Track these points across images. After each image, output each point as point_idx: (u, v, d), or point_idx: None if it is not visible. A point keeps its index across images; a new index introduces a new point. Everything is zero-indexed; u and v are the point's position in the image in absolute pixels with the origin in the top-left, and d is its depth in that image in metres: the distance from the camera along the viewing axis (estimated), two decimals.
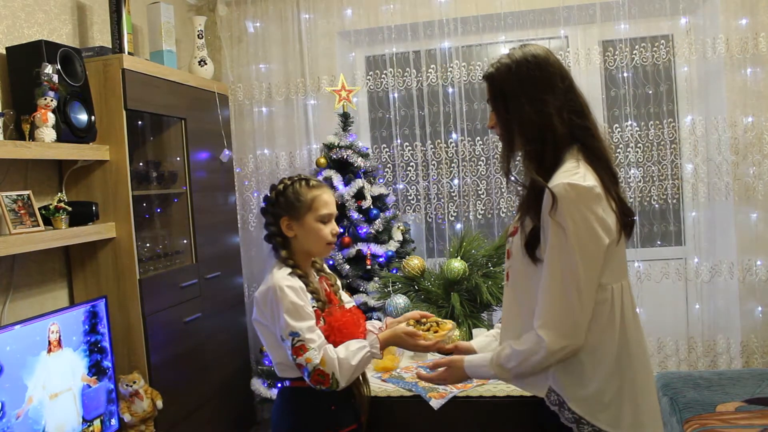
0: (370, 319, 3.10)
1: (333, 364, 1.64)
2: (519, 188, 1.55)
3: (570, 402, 1.48)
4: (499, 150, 3.42)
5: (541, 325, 1.43)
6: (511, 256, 1.58)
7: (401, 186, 3.63)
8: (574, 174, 1.42)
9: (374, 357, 1.73)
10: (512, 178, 1.56)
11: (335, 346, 1.69)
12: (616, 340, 1.47)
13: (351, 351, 1.68)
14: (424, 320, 1.83)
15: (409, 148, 3.63)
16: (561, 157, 1.48)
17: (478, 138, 3.52)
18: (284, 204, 1.76)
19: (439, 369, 1.66)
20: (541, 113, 1.48)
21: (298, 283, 1.71)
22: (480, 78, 3.49)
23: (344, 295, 1.97)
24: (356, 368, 1.67)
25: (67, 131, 2.29)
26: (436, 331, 1.77)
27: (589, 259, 1.40)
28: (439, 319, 1.83)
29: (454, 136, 3.51)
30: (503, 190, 3.46)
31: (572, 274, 1.40)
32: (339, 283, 1.97)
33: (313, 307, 1.72)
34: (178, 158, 2.99)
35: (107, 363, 2.34)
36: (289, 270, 1.73)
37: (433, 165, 3.56)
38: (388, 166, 3.67)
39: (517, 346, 1.49)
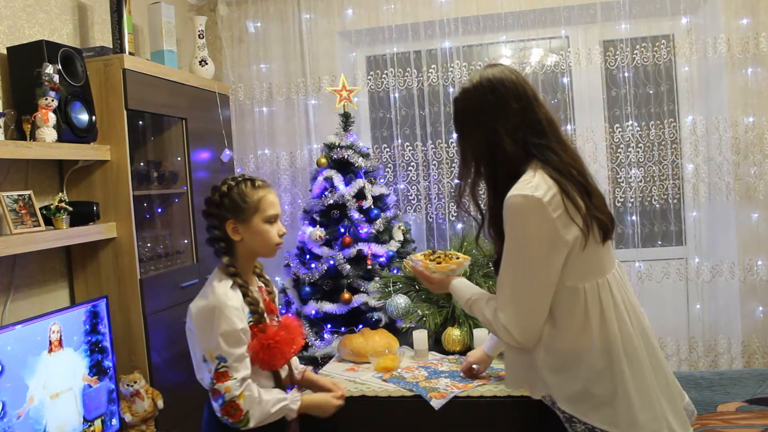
0: (372, 319, 3.11)
1: (251, 403, 1.61)
2: (468, 214, 1.65)
3: (559, 402, 1.51)
4: None
5: (504, 323, 1.50)
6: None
7: (402, 186, 3.63)
8: (527, 185, 1.45)
9: (288, 414, 1.70)
10: (463, 202, 1.64)
11: (264, 363, 1.67)
12: (597, 339, 1.47)
13: (272, 398, 1.65)
14: (439, 253, 1.87)
15: (410, 148, 3.63)
16: (518, 173, 1.50)
17: None
18: (229, 206, 1.70)
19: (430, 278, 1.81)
20: (491, 137, 1.52)
21: (239, 300, 1.66)
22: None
23: (277, 301, 1.94)
24: (270, 417, 1.65)
25: (68, 131, 2.29)
26: (439, 263, 1.78)
27: (538, 267, 1.44)
28: (454, 253, 1.86)
29: (454, 135, 3.51)
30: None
31: (523, 282, 1.46)
32: (276, 290, 1.94)
33: (249, 321, 1.68)
34: (179, 158, 2.99)
35: (108, 363, 2.34)
36: (230, 282, 1.68)
37: (434, 165, 3.56)
38: (389, 166, 3.68)
39: (488, 314, 1.56)
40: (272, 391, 1.69)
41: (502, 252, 1.50)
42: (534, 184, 1.44)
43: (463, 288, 1.72)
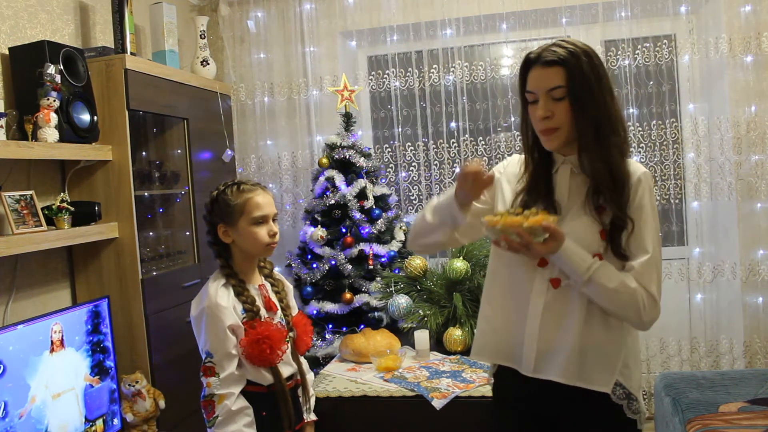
0: (373, 318, 3.11)
1: (224, 411, 1.67)
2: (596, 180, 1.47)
3: (634, 390, 1.49)
4: (504, 148, 3.40)
5: (657, 296, 1.43)
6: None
7: (404, 186, 3.63)
8: (639, 163, 1.53)
9: None
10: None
11: (255, 359, 1.70)
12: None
13: (237, 429, 1.68)
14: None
15: (412, 148, 3.63)
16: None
17: (481, 138, 3.52)
18: (218, 211, 1.79)
19: (542, 235, 1.37)
20: (617, 107, 1.50)
21: (229, 298, 1.72)
22: (482, 78, 3.49)
23: (292, 301, 1.98)
24: None
25: (70, 131, 2.30)
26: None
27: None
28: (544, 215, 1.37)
29: (456, 135, 3.51)
30: None
31: (660, 253, 1.48)
32: (288, 288, 1.97)
33: (243, 317, 1.73)
34: (181, 158, 2.99)
35: (110, 363, 2.34)
36: (223, 281, 1.76)
37: (436, 165, 3.56)
38: (391, 165, 3.67)
39: (632, 283, 1.41)
40: (246, 426, 1.70)
41: (617, 224, 1.43)
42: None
43: (578, 248, 1.42)
